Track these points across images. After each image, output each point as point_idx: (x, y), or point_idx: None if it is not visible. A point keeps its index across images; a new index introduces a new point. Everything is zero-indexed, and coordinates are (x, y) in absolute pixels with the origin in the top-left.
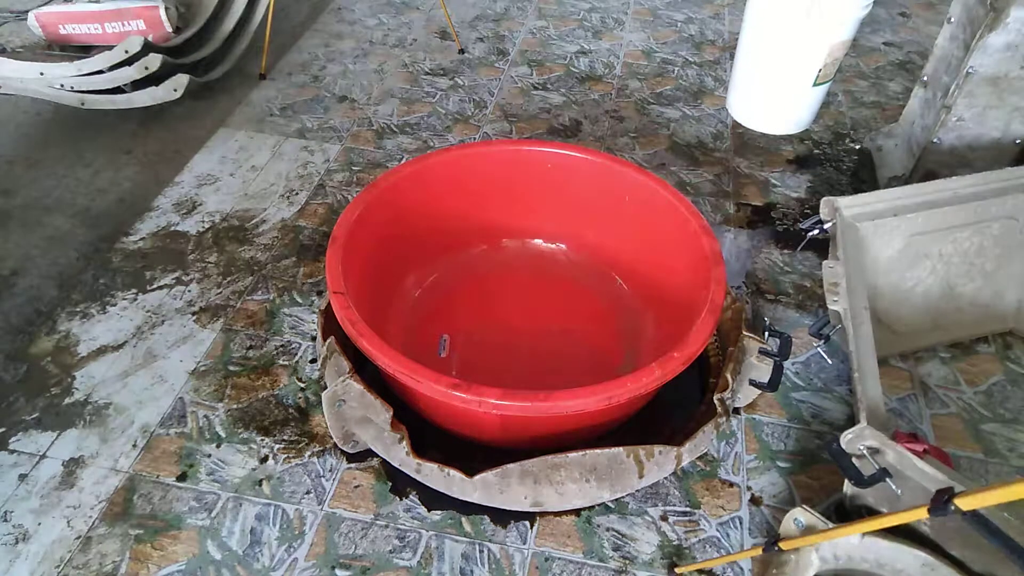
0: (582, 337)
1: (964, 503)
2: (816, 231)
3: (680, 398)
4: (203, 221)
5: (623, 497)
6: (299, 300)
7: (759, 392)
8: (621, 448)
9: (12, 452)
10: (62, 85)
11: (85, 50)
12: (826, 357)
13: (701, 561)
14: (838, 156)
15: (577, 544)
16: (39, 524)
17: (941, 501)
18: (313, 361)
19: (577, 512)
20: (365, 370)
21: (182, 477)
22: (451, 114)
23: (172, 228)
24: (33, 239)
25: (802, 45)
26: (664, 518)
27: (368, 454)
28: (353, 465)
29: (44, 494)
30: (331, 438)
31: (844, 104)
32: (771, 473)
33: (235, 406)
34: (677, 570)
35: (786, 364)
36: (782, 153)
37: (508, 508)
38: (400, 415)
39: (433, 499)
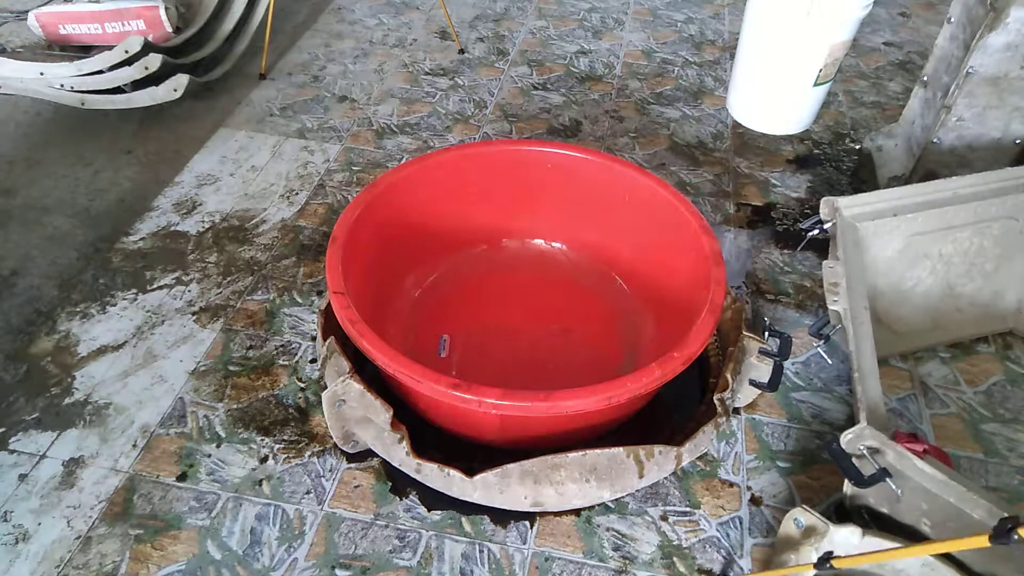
0: (582, 337)
1: None
2: (816, 231)
3: (680, 398)
4: (203, 221)
5: (623, 497)
6: (299, 300)
7: (759, 392)
8: (621, 448)
9: (12, 452)
10: (62, 85)
11: (85, 50)
12: (826, 357)
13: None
14: (838, 156)
15: (577, 544)
16: (39, 524)
17: (1004, 530)
18: (313, 361)
19: (577, 512)
20: (365, 370)
21: (182, 477)
22: (451, 114)
23: (172, 228)
24: (33, 239)
25: (802, 45)
26: (664, 518)
27: (368, 454)
28: (353, 465)
29: (44, 494)
30: (331, 438)
31: (844, 104)
32: (771, 473)
33: (235, 406)
34: None
35: (786, 364)
36: (782, 153)
37: (508, 508)
38: (400, 415)
39: (433, 499)
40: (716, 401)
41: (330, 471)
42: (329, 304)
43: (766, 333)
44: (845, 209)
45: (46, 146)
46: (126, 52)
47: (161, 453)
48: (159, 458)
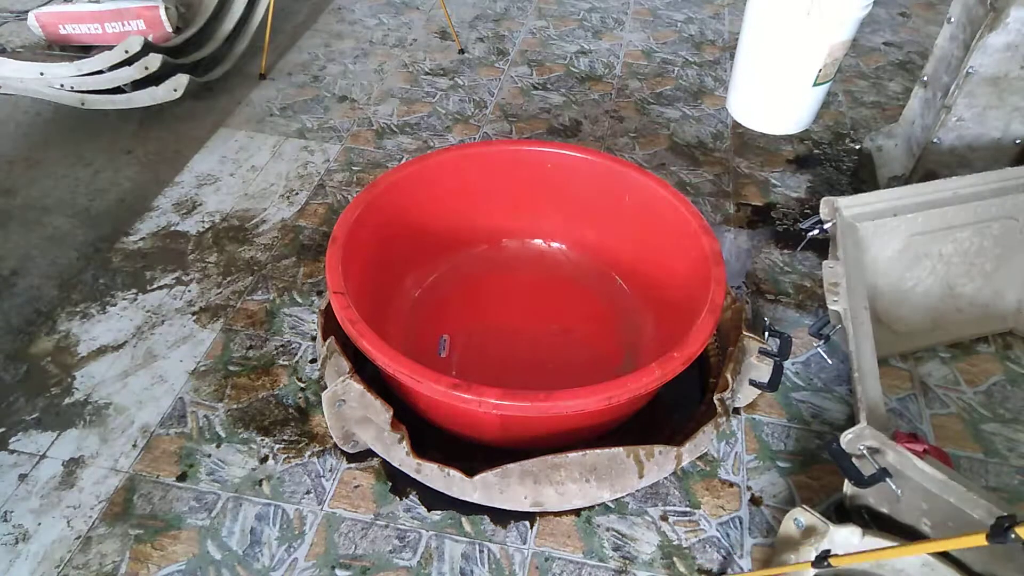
0: (582, 337)
1: None
2: (816, 231)
3: (680, 398)
4: (203, 221)
5: (623, 497)
6: (299, 300)
7: (759, 392)
8: (621, 448)
9: (12, 452)
10: (62, 85)
11: (85, 50)
12: (826, 357)
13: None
14: (838, 156)
15: (577, 544)
16: (39, 524)
17: (1002, 529)
18: (313, 361)
19: (577, 512)
20: (365, 370)
21: (182, 477)
22: (451, 114)
23: (172, 228)
24: (33, 239)
25: (802, 45)
26: (664, 518)
27: (368, 454)
28: (353, 465)
29: (44, 494)
30: (331, 438)
31: (844, 104)
32: (771, 473)
33: (235, 406)
34: None
35: (786, 364)
36: (782, 153)
37: (508, 508)
38: (400, 415)
39: (433, 499)
40: (716, 401)
41: (330, 471)
42: (329, 304)
43: (766, 333)
44: (845, 209)
45: (46, 146)
46: (126, 52)
47: (161, 453)
48: (159, 458)
